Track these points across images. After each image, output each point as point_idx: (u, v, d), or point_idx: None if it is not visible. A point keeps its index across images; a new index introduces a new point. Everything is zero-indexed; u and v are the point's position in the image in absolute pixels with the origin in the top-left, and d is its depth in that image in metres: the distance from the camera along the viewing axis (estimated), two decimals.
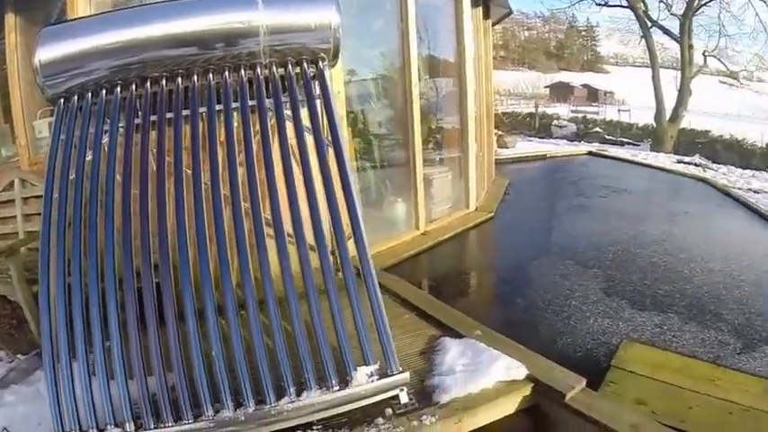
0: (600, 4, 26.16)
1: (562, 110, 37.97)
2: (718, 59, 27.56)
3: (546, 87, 76.56)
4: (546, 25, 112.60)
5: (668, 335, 3.89)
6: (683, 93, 23.20)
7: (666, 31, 24.18)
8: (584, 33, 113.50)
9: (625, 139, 23.50)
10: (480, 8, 7.49)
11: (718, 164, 18.74)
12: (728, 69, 30.46)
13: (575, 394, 2.72)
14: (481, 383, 2.71)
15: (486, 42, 8.63)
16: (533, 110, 30.76)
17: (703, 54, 26.01)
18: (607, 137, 23.60)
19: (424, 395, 2.66)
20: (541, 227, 6.66)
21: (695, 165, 17.09)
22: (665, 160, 17.38)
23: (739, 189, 11.71)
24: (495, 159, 11.18)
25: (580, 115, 28.88)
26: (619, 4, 25.33)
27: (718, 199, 9.36)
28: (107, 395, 2.32)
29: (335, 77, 4.32)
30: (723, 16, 24.86)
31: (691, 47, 23.44)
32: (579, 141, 22.59)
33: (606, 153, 15.13)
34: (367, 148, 5.42)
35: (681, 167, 14.89)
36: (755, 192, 11.88)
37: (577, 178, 10.32)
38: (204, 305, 2.52)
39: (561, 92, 69.72)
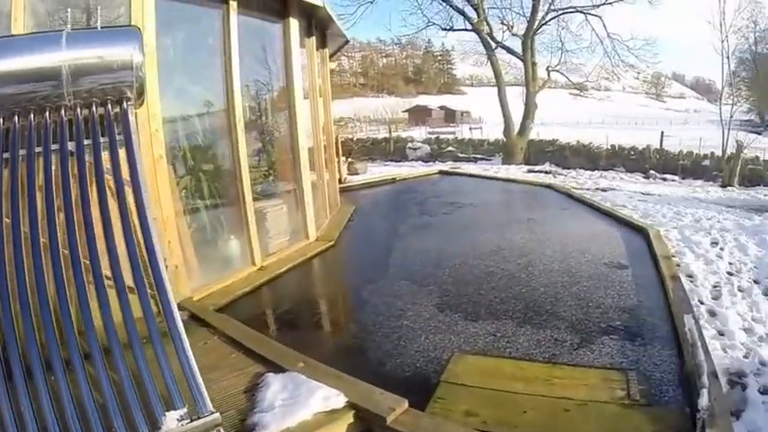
0: (446, 29, 27.00)
1: (420, 132, 38.98)
2: (562, 73, 29.12)
3: (404, 111, 78.51)
4: (403, 51, 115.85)
5: (502, 341, 3.96)
6: (530, 106, 24.66)
7: (510, 51, 25.62)
8: (439, 57, 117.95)
9: (478, 156, 24.54)
10: (314, 38, 7.53)
11: (568, 169, 20.24)
12: (573, 82, 32.24)
13: (397, 416, 2.74)
14: (299, 416, 2.70)
15: (324, 72, 8.70)
16: (380, 135, 31.57)
17: (547, 69, 27.65)
18: (460, 155, 24.54)
19: None
20: (381, 250, 6.62)
21: (545, 172, 18.19)
22: (516, 171, 18.38)
23: (587, 190, 12.62)
24: (345, 186, 11.34)
25: (434, 136, 29.65)
26: (464, 27, 26.20)
27: (563, 202, 9.83)
28: None
29: (153, 116, 4.22)
30: (563, 34, 26.76)
31: (534, 64, 25.12)
32: (434, 162, 23.30)
33: (457, 171, 15.65)
34: (198, 185, 5.26)
35: (530, 176, 15.74)
36: (603, 190, 12.74)
37: (424, 198, 10.50)
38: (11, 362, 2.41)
39: (419, 115, 71.95)
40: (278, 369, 3.23)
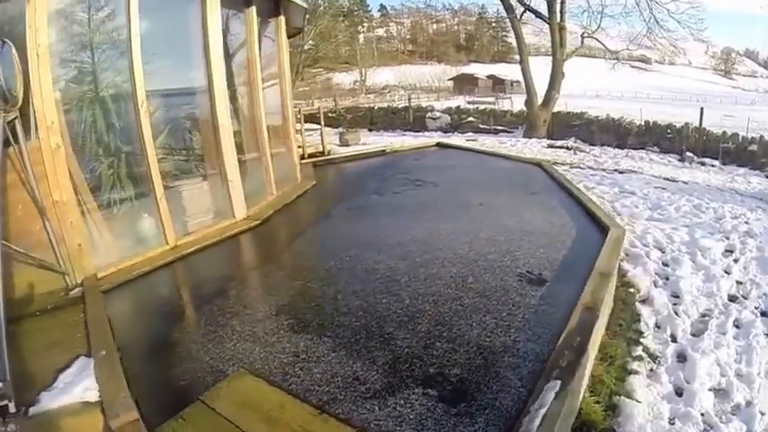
0: None
1: (460, 101, 38.45)
2: (598, 40, 26.55)
3: (449, 80, 77.63)
4: (455, 17, 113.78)
5: (298, 366, 3.45)
6: (556, 75, 23.22)
7: (538, 14, 23.93)
8: (494, 24, 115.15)
9: (499, 127, 23.80)
10: (253, 7, 7.15)
11: (594, 145, 19.19)
12: (609, 50, 29.54)
13: (121, 424, 2.71)
14: (63, 400, 2.91)
15: (280, 41, 8.39)
16: (423, 103, 31.09)
17: (582, 36, 26.07)
18: (481, 126, 23.96)
19: (26, 409, 2.83)
20: (297, 234, 6.50)
21: (566, 148, 17.42)
22: (535, 146, 17.74)
23: (604, 171, 11.99)
24: (327, 159, 11.45)
25: (455, 106, 28.83)
26: None
27: (540, 185, 8.71)
28: None
29: (49, 110, 4.40)
30: None
31: (562, 28, 23.17)
32: (453, 132, 22.95)
33: (454, 144, 14.97)
34: (113, 166, 5.37)
35: (548, 152, 15.46)
36: (621, 172, 11.95)
37: (394, 173, 9.95)
38: None
39: (465, 83, 70.82)
40: (89, 353, 3.42)
